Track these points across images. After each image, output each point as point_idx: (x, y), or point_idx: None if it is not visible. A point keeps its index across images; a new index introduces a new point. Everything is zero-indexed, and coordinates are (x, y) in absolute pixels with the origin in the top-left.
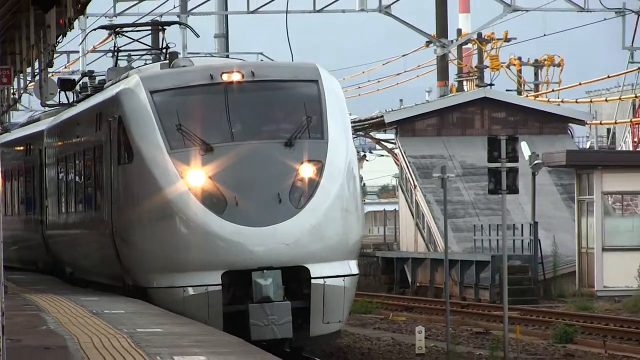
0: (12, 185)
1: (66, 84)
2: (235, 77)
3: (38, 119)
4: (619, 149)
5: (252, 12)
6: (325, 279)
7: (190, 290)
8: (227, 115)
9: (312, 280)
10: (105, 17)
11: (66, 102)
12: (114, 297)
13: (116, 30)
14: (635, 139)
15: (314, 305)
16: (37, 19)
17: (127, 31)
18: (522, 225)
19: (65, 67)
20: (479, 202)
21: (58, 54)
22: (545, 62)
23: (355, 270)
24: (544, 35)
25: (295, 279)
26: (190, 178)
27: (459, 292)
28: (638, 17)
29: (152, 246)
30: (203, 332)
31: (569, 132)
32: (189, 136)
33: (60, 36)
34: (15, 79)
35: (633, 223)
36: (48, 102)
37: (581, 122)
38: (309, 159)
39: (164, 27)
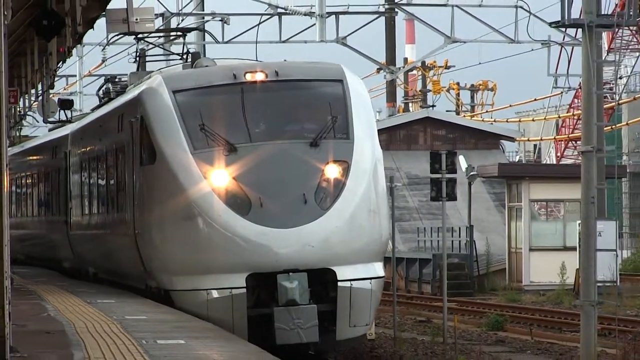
0: (40, 188)
1: (65, 104)
2: (259, 76)
3: (63, 125)
4: (544, 162)
5: (226, 42)
6: (352, 282)
7: (214, 293)
8: (251, 115)
9: (339, 283)
10: (100, 45)
11: (65, 119)
12: (105, 289)
13: (138, 35)
14: (558, 154)
15: (341, 308)
16: (40, 47)
17: (148, 37)
18: (459, 228)
19: (65, 89)
20: (422, 208)
21: (58, 78)
22: (480, 87)
23: (381, 272)
24: (479, 63)
25: (321, 281)
26: (214, 179)
27: (404, 286)
28: (561, 48)
29: (175, 248)
30: (182, 319)
31: (500, 147)
32: (212, 136)
33: (60, 62)
34: (21, 99)
35: (556, 227)
36: (49, 119)
37: (511, 139)
38: (335, 159)
39: (185, 33)
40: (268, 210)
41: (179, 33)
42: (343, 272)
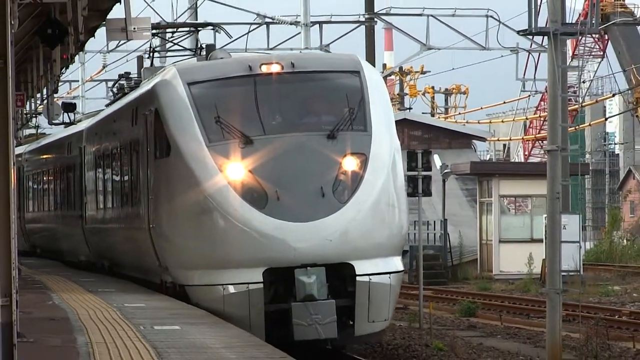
0: (56, 184)
1: (68, 107)
2: (275, 68)
3: (79, 121)
4: (513, 160)
5: (218, 49)
6: (371, 276)
7: (231, 288)
8: (266, 107)
9: (357, 278)
10: (100, 52)
11: (69, 121)
12: (105, 278)
13: (152, 31)
14: (526, 153)
15: (359, 303)
16: (45, 54)
17: (162, 32)
18: (434, 221)
19: (68, 93)
20: None
21: (62, 83)
22: (454, 91)
23: (400, 266)
24: (453, 69)
25: (340, 276)
26: (230, 172)
27: None
28: (529, 54)
29: (190, 242)
30: (178, 306)
31: (472, 147)
32: (227, 128)
33: (64, 68)
34: (28, 103)
35: (523, 220)
36: (54, 121)
37: (482, 139)
38: (352, 152)
39: (198, 29)
40: (285, 203)
41: (191, 29)
42: (362, 267)
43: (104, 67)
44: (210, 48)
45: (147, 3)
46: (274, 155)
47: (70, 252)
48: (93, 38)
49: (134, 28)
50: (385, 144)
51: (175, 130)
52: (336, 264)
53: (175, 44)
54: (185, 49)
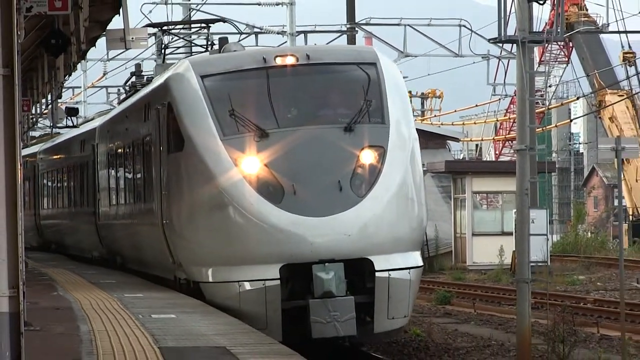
0: (70, 181)
1: (71, 111)
2: (290, 60)
3: (92, 119)
4: (485, 159)
5: None
6: (390, 272)
7: (247, 285)
8: (282, 99)
9: (377, 274)
10: (101, 61)
11: (72, 125)
12: (106, 270)
13: (163, 28)
14: (497, 152)
15: (379, 299)
16: (49, 63)
17: (173, 29)
18: None
19: (71, 99)
20: None
21: (65, 89)
22: (429, 95)
23: (420, 261)
24: (428, 74)
25: (358, 272)
26: (245, 165)
27: None
28: (499, 61)
29: (205, 238)
30: (174, 297)
31: (447, 147)
32: (242, 122)
33: (67, 75)
34: (33, 107)
35: (495, 215)
36: (58, 125)
37: (456, 140)
38: (370, 145)
39: (209, 24)
40: (302, 198)
41: (202, 25)
42: (381, 262)
43: (104, 74)
44: (223, 41)
45: (144, 14)
46: (290, 149)
47: (83, 248)
48: (94, 47)
49: (132, 38)
50: (404, 136)
51: (189, 123)
52: (355, 259)
53: (187, 40)
54: (197, 45)
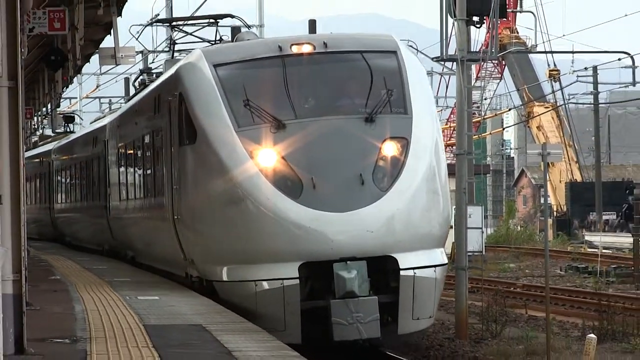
0: (82, 176)
1: (68, 119)
2: (306, 48)
3: (104, 116)
4: None
5: None
6: (415, 270)
7: (264, 285)
8: (299, 89)
9: (401, 272)
10: (94, 75)
11: (69, 130)
12: (98, 258)
13: (172, 23)
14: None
15: (403, 299)
16: (49, 76)
17: (182, 25)
18: None
19: (68, 108)
20: None
21: (63, 99)
22: None
23: (445, 259)
24: None
25: (382, 270)
26: (261, 158)
27: None
28: (441, 77)
29: (219, 235)
30: (157, 280)
31: None
32: (258, 112)
33: (64, 87)
34: (35, 115)
35: None
36: (57, 130)
37: None
38: (393, 136)
39: (218, 20)
40: (321, 192)
41: (210, 20)
42: (405, 260)
43: (97, 87)
44: (236, 31)
45: (132, 35)
46: (308, 141)
47: (96, 242)
48: (88, 63)
49: (122, 55)
50: (427, 126)
51: (202, 114)
52: (378, 257)
53: (196, 37)
54: (205, 40)
